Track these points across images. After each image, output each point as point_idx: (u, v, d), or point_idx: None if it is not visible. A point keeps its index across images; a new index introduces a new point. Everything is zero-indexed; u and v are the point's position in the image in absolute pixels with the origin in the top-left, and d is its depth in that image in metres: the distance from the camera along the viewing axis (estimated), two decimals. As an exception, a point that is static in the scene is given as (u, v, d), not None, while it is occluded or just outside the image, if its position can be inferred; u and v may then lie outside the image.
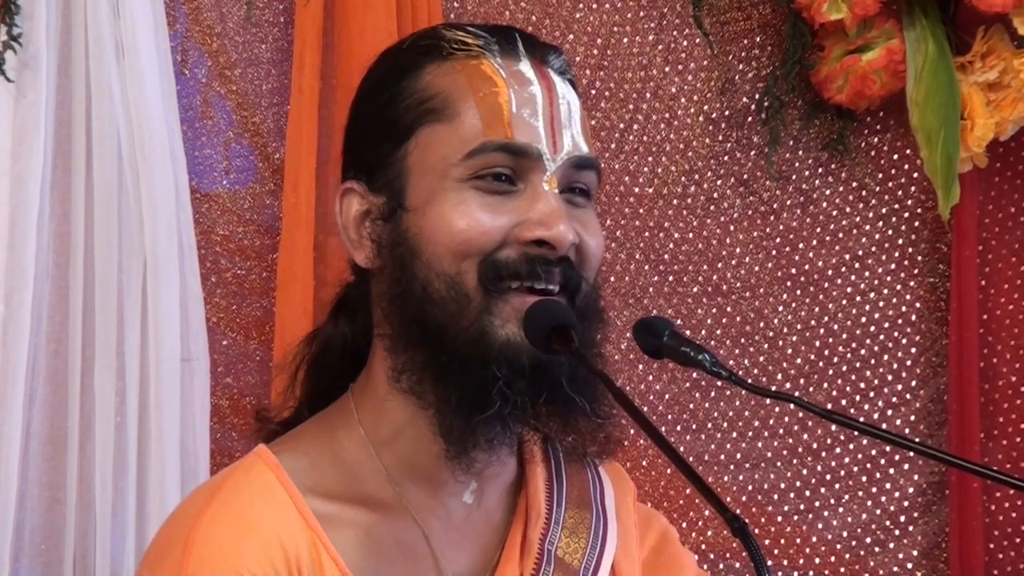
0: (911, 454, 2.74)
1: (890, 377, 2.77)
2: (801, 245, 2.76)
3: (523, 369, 1.62)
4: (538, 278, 1.63)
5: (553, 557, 1.73)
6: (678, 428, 2.71)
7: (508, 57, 1.69)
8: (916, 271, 2.78)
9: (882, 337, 2.77)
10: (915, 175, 2.77)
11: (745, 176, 2.75)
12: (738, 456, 2.73)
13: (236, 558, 1.60)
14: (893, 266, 2.78)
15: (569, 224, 1.64)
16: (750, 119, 2.74)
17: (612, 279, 2.71)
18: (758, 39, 2.74)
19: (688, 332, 2.68)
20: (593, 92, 2.70)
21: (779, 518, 2.73)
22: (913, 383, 2.77)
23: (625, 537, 1.81)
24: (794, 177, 2.76)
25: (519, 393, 1.62)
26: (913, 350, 2.77)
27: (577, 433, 1.71)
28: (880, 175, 2.78)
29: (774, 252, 2.76)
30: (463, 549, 1.72)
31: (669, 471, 2.67)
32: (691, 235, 2.73)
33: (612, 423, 1.71)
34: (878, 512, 2.74)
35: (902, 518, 2.75)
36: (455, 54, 1.68)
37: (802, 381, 2.75)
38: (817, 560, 2.73)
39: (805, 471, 2.74)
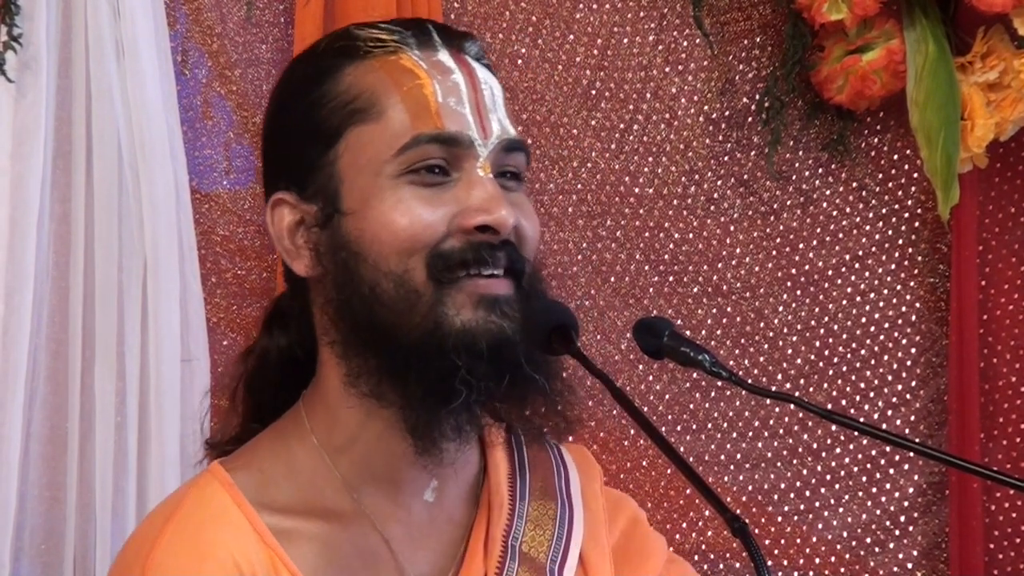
0: (911, 454, 2.74)
1: (890, 377, 2.77)
2: (801, 245, 2.76)
3: (481, 353, 1.62)
4: (485, 263, 1.63)
5: (518, 552, 1.73)
6: (678, 428, 2.71)
7: (425, 49, 1.69)
8: (916, 271, 2.78)
9: (882, 337, 2.77)
10: (915, 175, 2.77)
11: (745, 176, 2.75)
12: (738, 456, 2.73)
13: None
14: (893, 266, 2.78)
15: (510, 208, 1.65)
16: (750, 119, 2.74)
17: (612, 279, 2.71)
18: (758, 39, 2.74)
19: (688, 332, 2.68)
20: (593, 92, 2.70)
21: (779, 518, 2.73)
22: (913, 383, 2.77)
23: (593, 524, 1.80)
24: (794, 177, 2.76)
25: (481, 378, 1.62)
26: (913, 350, 2.77)
27: (536, 413, 1.70)
28: (880, 175, 2.78)
29: (774, 252, 2.76)
30: (426, 549, 1.71)
31: (669, 471, 2.67)
32: (691, 235, 2.73)
33: (570, 401, 1.70)
34: (878, 512, 2.74)
35: (902, 518, 2.75)
36: (372, 52, 1.68)
37: (802, 381, 2.75)
38: (817, 560, 2.73)
39: (805, 471, 2.74)
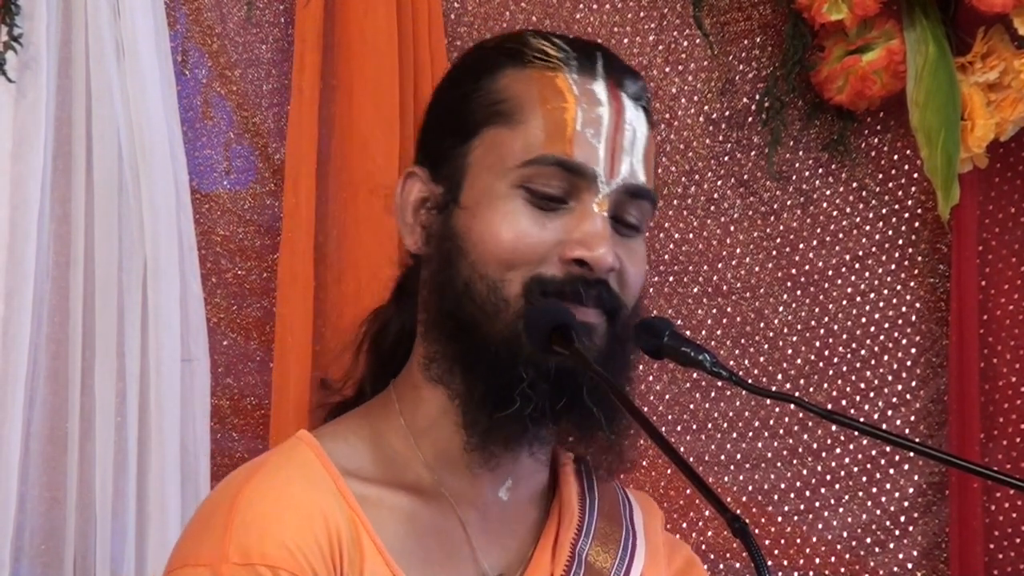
0: (911, 454, 2.74)
1: (890, 377, 2.77)
2: (801, 245, 2.76)
3: (548, 373, 1.64)
4: (578, 299, 1.65)
5: (584, 562, 1.74)
6: (678, 428, 2.71)
7: (584, 74, 1.70)
8: (916, 271, 2.78)
9: (882, 337, 2.77)
10: (915, 175, 2.77)
11: (745, 176, 2.75)
12: (738, 456, 2.73)
13: (279, 529, 1.60)
14: (893, 266, 2.78)
15: (610, 248, 1.66)
16: (750, 119, 2.74)
17: (612, 279, 2.71)
18: (758, 39, 2.74)
19: (688, 332, 2.68)
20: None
21: (779, 518, 2.73)
22: (913, 383, 2.77)
23: (653, 555, 1.82)
24: (794, 177, 2.76)
25: (541, 396, 1.64)
26: (913, 350, 2.77)
27: (591, 444, 1.73)
28: (880, 175, 2.78)
29: (774, 252, 2.76)
30: (498, 542, 1.73)
31: (669, 471, 2.67)
32: (691, 235, 2.73)
33: (626, 439, 1.73)
34: (878, 512, 2.75)
35: (902, 518, 2.75)
36: (534, 62, 1.70)
37: (802, 381, 2.75)
38: (817, 560, 2.73)
39: (805, 471, 2.74)
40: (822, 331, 2.76)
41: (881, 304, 2.78)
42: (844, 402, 2.76)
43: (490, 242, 1.66)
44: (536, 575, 1.73)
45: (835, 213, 2.77)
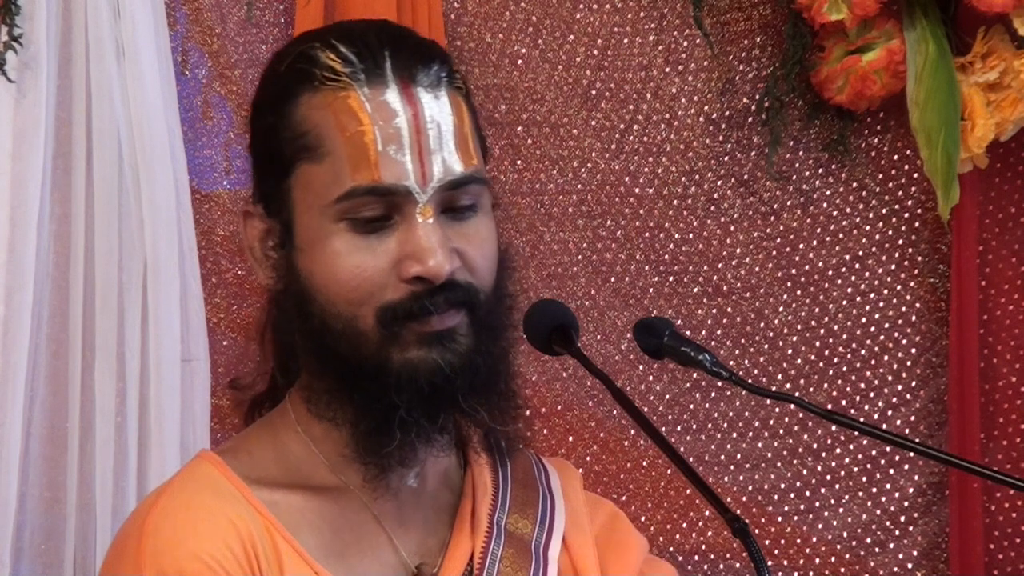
0: (911, 454, 2.74)
1: (890, 377, 2.77)
2: (801, 245, 2.76)
3: (421, 389, 1.65)
4: (428, 312, 1.66)
5: (503, 531, 1.75)
6: (678, 428, 2.71)
7: (374, 85, 1.68)
8: (916, 271, 2.78)
9: (882, 337, 2.77)
10: (915, 175, 2.77)
11: (745, 176, 2.75)
12: (738, 456, 2.73)
13: (192, 542, 1.62)
14: (893, 266, 2.78)
15: (444, 253, 1.65)
16: (750, 119, 2.74)
17: (612, 279, 2.71)
18: (758, 39, 2.74)
19: (688, 332, 2.68)
20: (593, 92, 2.70)
21: (779, 518, 2.73)
22: (913, 383, 2.77)
23: (574, 513, 1.82)
24: (794, 177, 2.76)
25: (419, 417, 1.66)
26: (913, 350, 2.77)
27: (492, 444, 1.78)
28: (880, 175, 2.78)
29: (774, 252, 2.76)
30: (414, 528, 1.74)
31: (669, 471, 2.67)
32: (691, 235, 2.73)
33: (514, 427, 1.74)
34: (878, 512, 2.74)
35: (902, 518, 2.75)
36: (325, 84, 1.69)
37: (802, 381, 2.75)
38: (817, 560, 2.73)
39: (805, 471, 2.74)
40: (822, 331, 2.76)
41: (881, 304, 2.77)
42: (844, 402, 2.76)
43: (331, 283, 1.66)
44: (457, 554, 1.74)
45: (835, 213, 2.77)
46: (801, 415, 2.74)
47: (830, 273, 2.77)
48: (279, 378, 1.82)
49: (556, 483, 1.84)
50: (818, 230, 2.77)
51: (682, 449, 2.69)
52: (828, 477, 2.74)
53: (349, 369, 1.67)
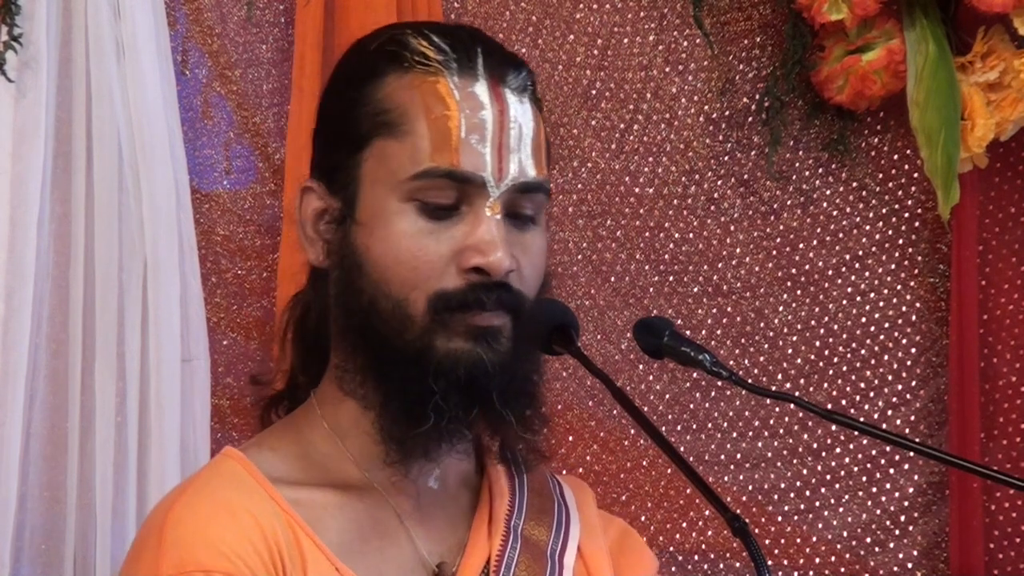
0: (911, 454, 2.74)
1: (890, 377, 2.77)
2: (801, 245, 2.76)
3: (458, 380, 1.66)
4: (481, 305, 1.66)
5: (520, 536, 1.76)
6: (678, 428, 2.71)
7: (465, 76, 1.69)
8: (916, 271, 2.78)
9: (882, 337, 2.77)
10: (915, 175, 2.77)
11: (745, 176, 2.75)
12: (738, 456, 2.73)
13: (214, 537, 1.61)
14: (893, 266, 2.78)
15: (506, 251, 1.66)
16: (750, 119, 2.74)
17: (612, 279, 2.71)
18: (758, 39, 2.74)
19: (688, 332, 2.68)
20: (593, 92, 2.70)
21: (779, 518, 2.73)
22: (913, 383, 2.77)
23: (589, 528, 1.83)
24: (794, 177, 2.76)
25: (453, 406, 1.66)
26: (913, 350, 2.77)
27: (506, 441, 1.77)
28: (880, 175, 2.78)
29: (774, 252, 2.76)
30: (434, 529, 1.74)
31: (669, 471, 2.67)
32: (691, 235, 2.73)
33: (537, 439, 1.74)
34: (878, 512, 2.74)
35: (902, 518, 2.75)
36: (415, 67, 1.70)
37: (802, 381, 2.75)
38: (817, 560, 2.73)
39: (805, 471, 2.74)
40: (822, 331, 2.76)
41: (881, 304, 2.77)
42: (844, 402, 2.76)
43: (390, 262, 1.67)
44: (475, 555, 1.74)
45: (835, 213, 2.77)
46: (801, 415, 2.74)
47: (830, 273, 2.77)
48: (299, 376, 1.82)
49: (570, 497, 1.85)
50: (818, 230, 2.77)
51: (682, 449, 2.69)
52: (828, 477, 2.74)
53: (389, 350, 1.67)
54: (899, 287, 2.78)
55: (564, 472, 1.94)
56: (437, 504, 1.75)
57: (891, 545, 2.74)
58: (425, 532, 1.73)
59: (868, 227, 2.77)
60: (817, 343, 2.76)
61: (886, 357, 2.77)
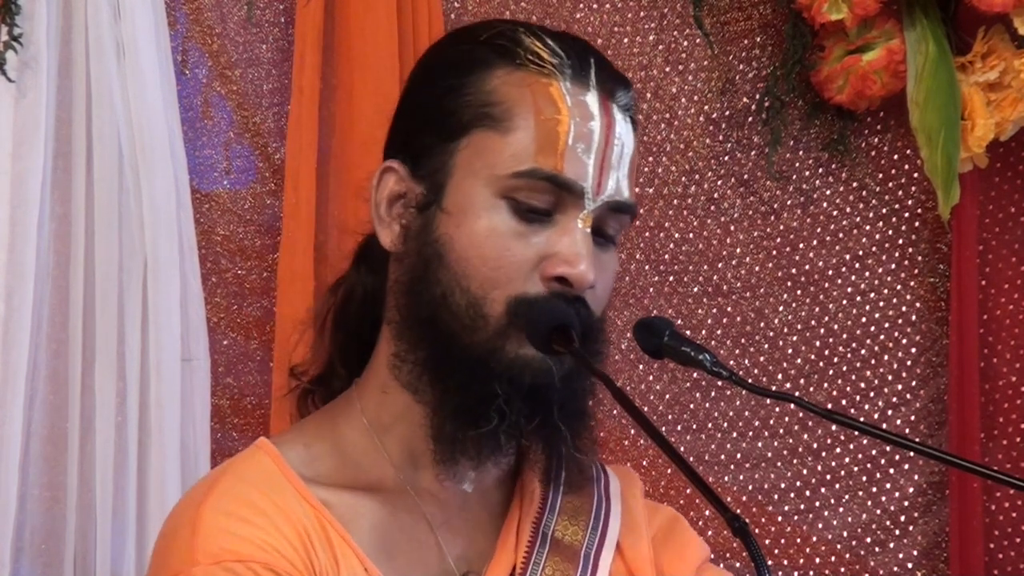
0: (911, 454, 2.74)
1: (890, 377, 2.77)
2: (801, 245, 2.76)
3: (523, 387, 1.64)
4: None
5: (549, 539, 1.74)
6: (678, 428, 2.71)
7: (578, 84, 1.68)
8: (916, 271, 2.78)
9: (882, 337, 2.77)
10: (915, 175, 2.77)
11: (745, 176, 2.75)
12: (738, 456, 2.73)
13: (248, 531, 1.61)
14: (893, 266, 2.78)
15: (591, 265, 1.65)
16: (750, 119, 2.74)
17: (612, 279, 2.71)
18: (758, 39, 2.74)
19: (688, 332, 2.68)
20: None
21: (779, 518, 2.73)
22: (913, 383, 2.77)
23: (631, 521, 1.81)
24: (794, 177, 2.76)
25: (515, 412, 1.64)
26: (913, 350, 2.77)
27: (553, 458, 1.74)
28: (880, 175, 2.78)
29: (774, 252, 2.76)
30: (463, 536, 1.73)
31: (669, 471, 2.67)
32: (691, 235, 2.73)
33: (589, 458, 1.74)
34: (878, 512, 2.75)
35: (902, 518, 2.75)
36: (528, 65, 1.67)
37: (802, 381, 2.75)
38: (817, 560, 2.73)
39: (805, 471, 2.74)
40: (822, 331, 2.76)
41: (881, 304, 2.78)
42: (844, 402, 2.76)
43: (474, 257, 1.64)
44: (501, 563, 1.73)
45: (835, 213, 2.77)
46: (801, 415, 2.74)
47: (830, 273, 2.77)
48: (340, 369, 1.80)
49: (616, 488, 1.83)
50: (818, 230, 2.77)
51: (682, 449, 2.69)
52: (828, 477, 2.74)
53: (457, 347, 1.64)
54: (899, 287, 2.78)
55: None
56: (468, 510, 1.73)
57: (891, 545, 2.74)
58: (454, 539, 1.72)
59: (868, 227, 2.77)
60: (817, 343, 2.76)
61: (886, 357, 2.77)
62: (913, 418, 2.77)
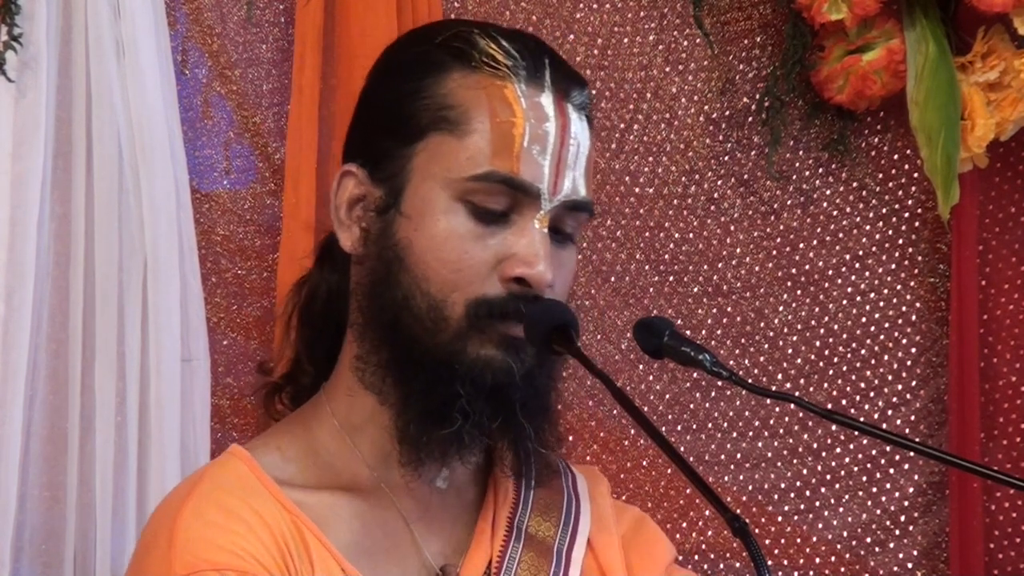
0: (911, 454, 2.74)
1: (890, 377, 2.77)
2: (801, 245, 2.76)
3: (484, 387, 1.65)
4: (519, 318, 1.66)
5: (523, 534, 1.76)
6: (678, 428, 2.71)
7: (532, 85, 1.69)
8: (916, 271, 2.78)
9: (882, 337, 2.77)
10: (915, 175, 2.77)
11: (745, 176, 2.75)
12: (738, 456, 2.73)
13: (224, 538, 1.62)
14: (893, 266, 2.78)
15: (549, 264, 1.67)
16: (750, 119, 2.74)
17: (612, 279, 2.71)
18: (758, 39, 2.74)
19: (688, 332, 2.68)
20: (593, 92, 2.70)
21: (779, 518, 2.73)
22: (913, 383, 2.77)
23: (600, 515, 1.83)
24: (794, 177, 2.76)
25: (478, 412, 1.66)
26: (913, 350, 2.77)
27: (521, 453, 1.75)
28: (880, 175, 2.78)
29: (774, 252, 2.76)
30: (439, 531, 1.75)
31: (669, 471, 2.67)
32: (691, 235, 2.73)
33: (553, 453, 1.75)
34: (878, 512, 2.74)
35: (902, 518, 2.75)
36: (482, 68, 1.69)
37: (802, 381, 2.75)
38: (817, 560, 2.73)
39: (805, 471, 2.74)
40: (822, 331, 2.76)
41: (881, 304, 2.77)
42: (844, 402, 2.76)
43: (433, 260, 1.66)
44: (477, 556, 1.75)
45: (835, 213, 2.77)
46: (801, 415, 2.74)
47: (830, 273, 2.77)
48: (307, 366, 1.81)
49: (583, 487, 1.85)
50: (818, 230, 2.77)
51: (682, 449, 2.69)
52: (828, 477, 2.74)
53: (418, 349, 1.66)
54: (899, 287, 2.78)
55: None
56: (443, 505, 1.75)
57: (891, 545, 2.74)
58: (430, 534, 1.74)
59: (868, 227, 2.77)
60: (817, 343, 2.76)
61: (886, 357, 2.77)
62: (913, 418, 2.77)
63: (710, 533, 2.70)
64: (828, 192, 2.77)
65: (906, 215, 2.78)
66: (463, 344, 1.65)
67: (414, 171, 1.69)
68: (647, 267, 2.72)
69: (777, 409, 2.74)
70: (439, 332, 1.66)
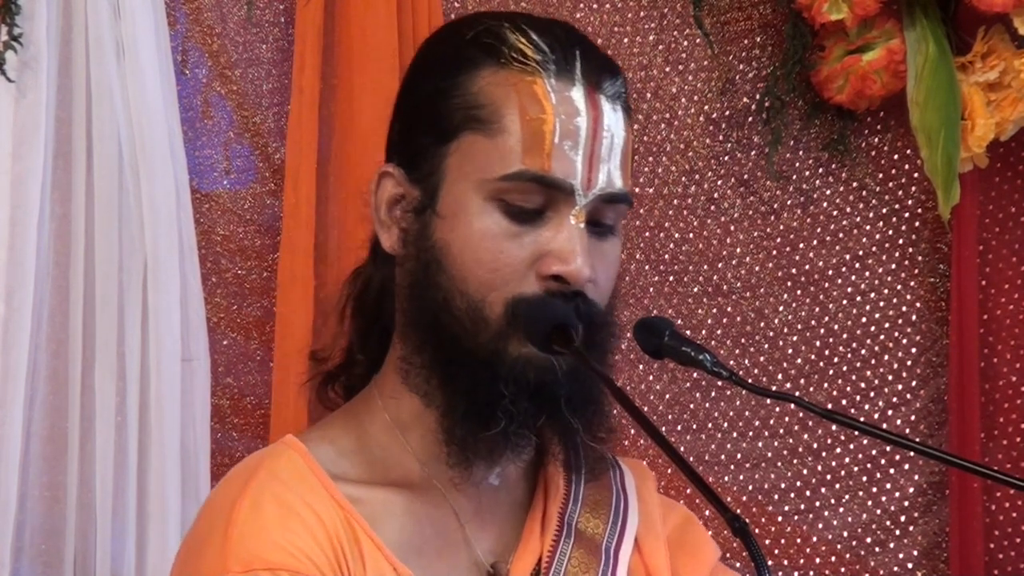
0: (911, 454, 2.74)
1: (890, 377, 2.77)
2: (801, 245, 2.76)
3: (528, 384, 1.64)
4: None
5: (574, 531, 1.75)
6: (678, 428, 2.71)
7: (562, 79, 1.67)
8: (916, 271, 2.78)
9: (882, 337, 2.77)
10: (915, 175, 2.77)
11: (745, 176, 2.75)
12: (738, 456, 2.73)
13: (279, 535, 1.61)
14: (893, 266, 2.78)
15: (587, 260, 1.65)
16: (750, 119, 2.74)
17: (612, 279, 2.71)
18: (758, 39, 2.74)
19: (688, 332, 2.68)
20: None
21: (779, 518, 2.73)
22: (913, 383, 2.77)
23: (647, 517, 1.82)
24: (794, 177, 2.76)
25: (522, 412, 1.65)
26: (913, 350, 2.77)
27: (571, 447, 1.74)
28: (880, 175, 2.78)
29: (774, 252, 2.76)
30: (490, 528, 1.74)
31: (669, 471, 2.67)
32: (691, 235, 2.73)
33: (605, 447, 1.74)
34: (878, 512, 2.75)
35: (902, 518, 2.75)
36: (511, 64, 1.67)
37: (802, 381, 2.75)
38: (817, 560, 2.73)
39: (805, 471, 2.74)
40: (822, 331, 2.76)
41: (881, 304, 2.77)
42: (844, 402, 2.76)
43: (470, 260, 1.65)
44: (527, 552, 1.74)
45: (835, 213, 2.77)
46: (801, 415, 2.74)
47: (830, 273, 2.77)
48: (359, 357, 1.80)
49: (631, 484, 1.84)
50: (818, 230, 2.77)
51: (682, 449, 2.69)
52: (828, 477, 2.74)
53: (460, 351, 1.66)
54: (899, 287, 2.78)
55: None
56: (495, 502, 1.74)
57: (891, 545, 2.74)
58: (482, 532, 1.73)
59: (868, 227, 2.77)
60: (817, 343, 2.76)
61: (886, 357, 2.77)
62: (913, 418, 2.77)
63: (710, 533, 2.69)
64: (828, 192, 2.77)
65: (906, 215, 2.78)
66: (504, 344, 1.64)
67: (448, 171, 1.68)
68: (647, 267, 2.72)
69: (777, 409, 2.74)
70: (479, 333, 1.65)
